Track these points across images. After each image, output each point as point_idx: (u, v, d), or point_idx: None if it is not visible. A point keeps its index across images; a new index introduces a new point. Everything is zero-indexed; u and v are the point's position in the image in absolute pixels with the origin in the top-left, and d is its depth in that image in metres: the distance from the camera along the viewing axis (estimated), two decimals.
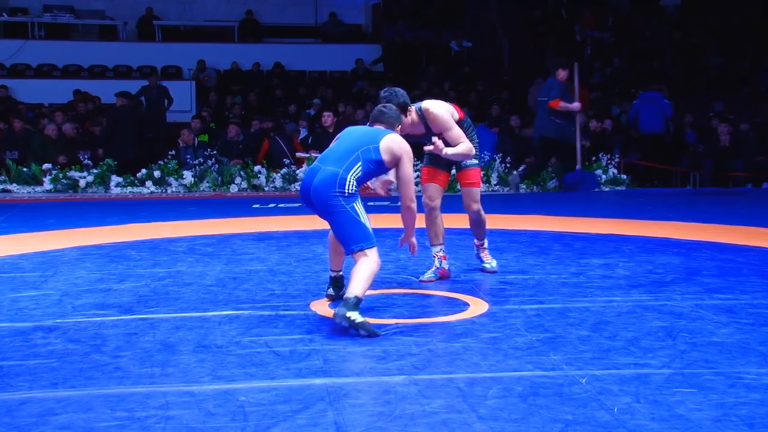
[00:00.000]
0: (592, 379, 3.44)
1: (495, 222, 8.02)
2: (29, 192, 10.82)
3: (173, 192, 11.01)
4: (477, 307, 4.68)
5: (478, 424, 2.99)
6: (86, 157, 11.36)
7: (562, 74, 10.89)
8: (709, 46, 16.14)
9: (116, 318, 4.48)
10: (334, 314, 4.13)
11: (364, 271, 4.20)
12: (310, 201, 4.43)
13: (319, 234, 7.23)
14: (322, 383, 3.42)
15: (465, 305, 4.72)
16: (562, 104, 10.79)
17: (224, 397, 3.26)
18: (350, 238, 4.31)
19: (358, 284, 4.14)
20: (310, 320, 4.44)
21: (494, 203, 9.82)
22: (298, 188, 10.84)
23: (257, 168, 11.30)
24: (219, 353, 3.85)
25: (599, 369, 3.58)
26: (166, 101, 13.36)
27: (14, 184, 10.92)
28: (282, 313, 4.59)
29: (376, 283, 5.32)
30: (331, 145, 4.58)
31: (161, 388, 3.37)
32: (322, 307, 4.69)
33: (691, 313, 4.53)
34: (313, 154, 10.79)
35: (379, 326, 4.27)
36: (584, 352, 3.84)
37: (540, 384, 3.40)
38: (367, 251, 4.27)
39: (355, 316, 4.06)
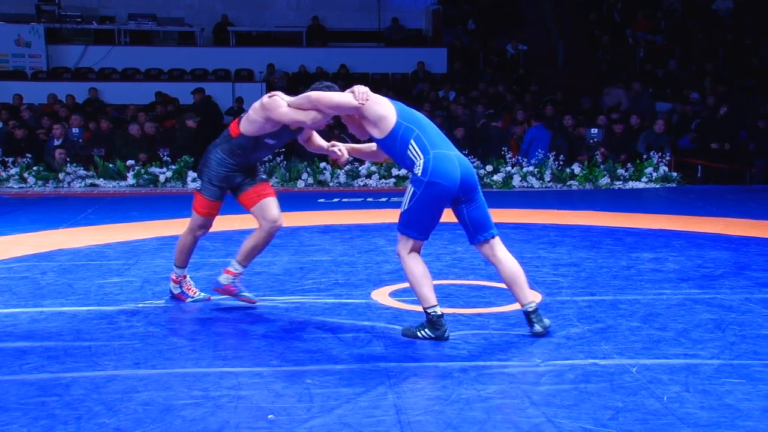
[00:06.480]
0: (642, 369, 3.39)
1: (549, 217, 7.94)
2: (114, 186, 11.06)
3: None
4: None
5: (531, 410, 2.96)
6: (165, 154, 11.57)
7: None
8: (762, 47, 15.66)
9: (192, 303, 4.57)
10: (544, 331, 3.87)
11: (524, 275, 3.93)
12: (460, 188, 3.82)
13: (380, 227, 7.26)
14: (382, 368, 3.43)
15: None
16: None
17: (291, 379, 3.30)
18: (491, 221, 3.95)
19: (529, 289, 3.93)
20: (372, 308, 4.46)
21: (547, 199, 9.72)
22: (361, 184, 10.97)
23: (323, 165, 11.36)
24: (286, 338, 3.90)
25: (649, 359, 3.53)
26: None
27: (101, 179, 11.19)
28: (345, 301, 4.62)
29: (434, 275, 5.31)
30: (423, 125, 3.93)
31: (233, 370, 3.43)
32: (382, 297, 4.70)
33: (740, 306, 4.41)
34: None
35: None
36: (635, 342, 3.78)
37: (591, 372, 3.36)
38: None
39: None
